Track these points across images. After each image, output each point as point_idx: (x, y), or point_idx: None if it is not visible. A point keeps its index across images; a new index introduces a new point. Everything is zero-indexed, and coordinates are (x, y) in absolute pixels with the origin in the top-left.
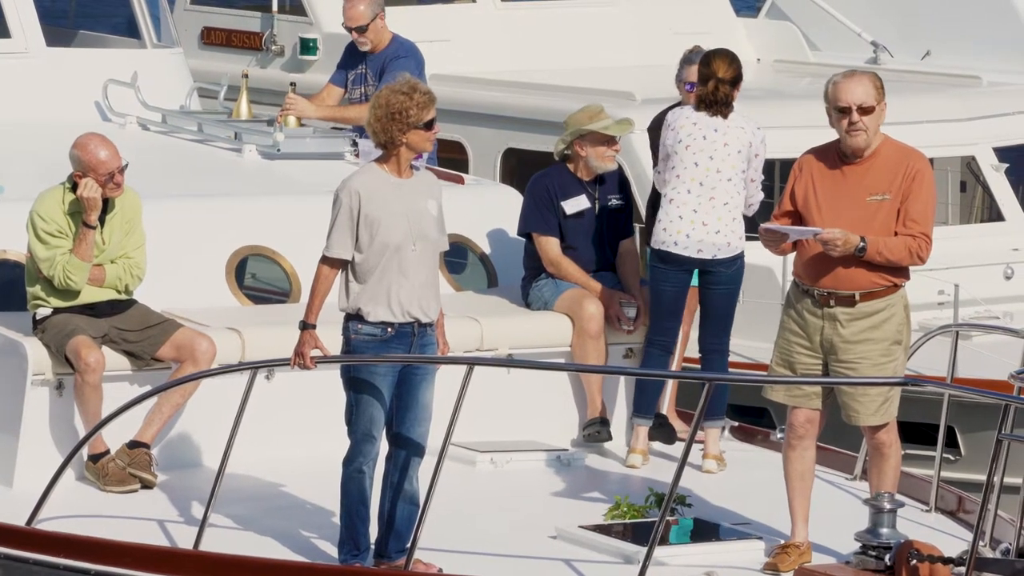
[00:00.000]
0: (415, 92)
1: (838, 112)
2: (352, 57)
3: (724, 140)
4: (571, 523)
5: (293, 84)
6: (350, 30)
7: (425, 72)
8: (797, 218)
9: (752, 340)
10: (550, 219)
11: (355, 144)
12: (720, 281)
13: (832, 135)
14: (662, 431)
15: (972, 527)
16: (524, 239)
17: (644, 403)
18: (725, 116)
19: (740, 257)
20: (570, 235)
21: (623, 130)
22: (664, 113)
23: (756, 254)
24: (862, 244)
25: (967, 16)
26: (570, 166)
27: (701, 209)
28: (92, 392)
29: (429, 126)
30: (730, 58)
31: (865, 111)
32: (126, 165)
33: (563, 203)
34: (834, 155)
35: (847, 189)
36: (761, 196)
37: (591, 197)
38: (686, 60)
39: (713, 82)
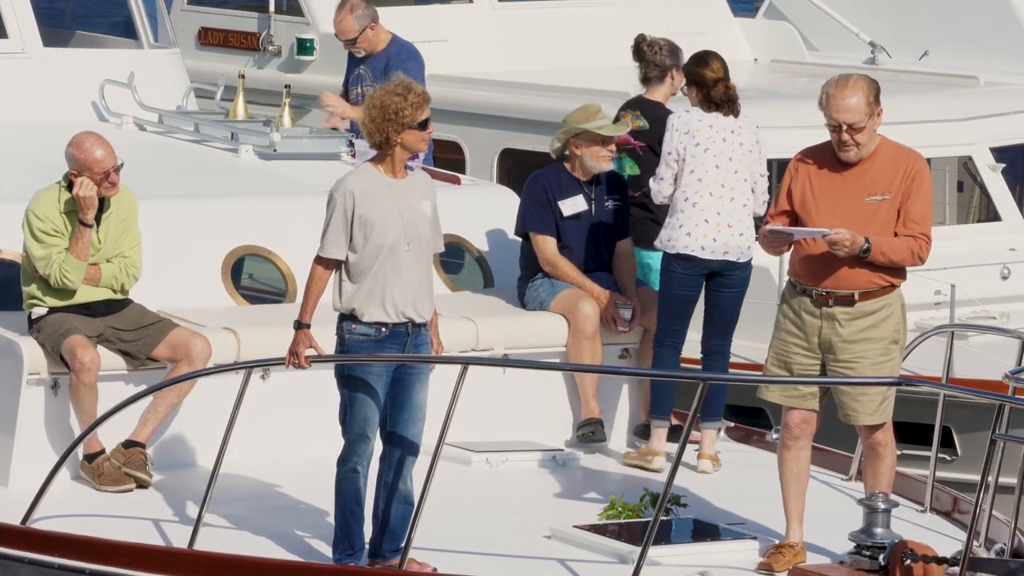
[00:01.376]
0: (409, 92)
1: (828, 125)
2: (354, 57)
3: (740, 140)
4: (566, 523)
5: (287, 87)
6: (343, 41)
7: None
8: (794, 218)
9: (748, 340)
10: (547, 218)
11: (351, 144)
12: (732, 284)
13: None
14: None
15: (966, 527)
16: (521, 239)
17: (661, 405)
18: (737, 115)
19: (751, 259)
20: (566, 235)
21: (619, 131)
22: (655, 106)
23: (752, 254)
24: (867, 245)
25: (965, 16)
26: (567, 166)
27: (724, 211)
28: (87, 392)
29: (424, 126)
30: (720, 57)
31: (855, 130)
32: (122, 164)
33: (560, 203)
34: (831, 155)
35: (845, 189)
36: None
37: (588, 198)
38: (671, 51)
39: (721, 83)
